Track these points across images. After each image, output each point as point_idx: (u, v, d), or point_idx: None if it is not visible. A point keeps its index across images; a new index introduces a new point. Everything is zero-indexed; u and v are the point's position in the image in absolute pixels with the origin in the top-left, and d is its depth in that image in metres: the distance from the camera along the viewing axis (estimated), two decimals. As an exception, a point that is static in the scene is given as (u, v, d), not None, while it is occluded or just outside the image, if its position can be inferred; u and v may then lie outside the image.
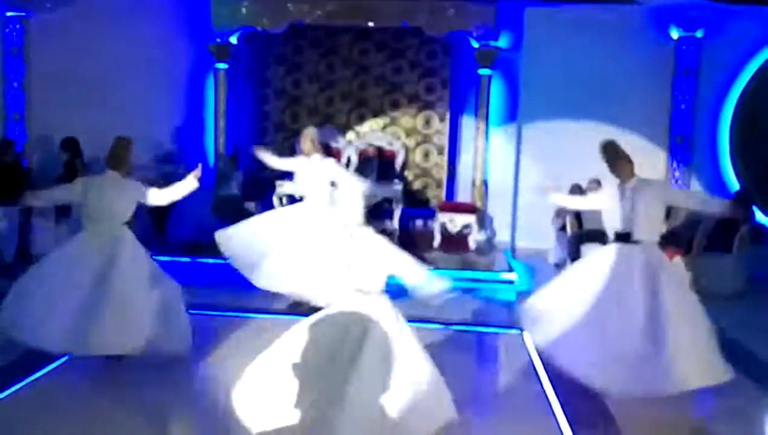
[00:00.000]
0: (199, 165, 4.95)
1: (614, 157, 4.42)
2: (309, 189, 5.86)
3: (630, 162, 4.40)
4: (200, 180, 4.84)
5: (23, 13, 8.84)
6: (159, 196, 4.79)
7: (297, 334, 3.18)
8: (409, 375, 3.09)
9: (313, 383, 2.99)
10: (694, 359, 4.01)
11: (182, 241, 7.80)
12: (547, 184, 4.88)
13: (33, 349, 4.24)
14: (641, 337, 4.06)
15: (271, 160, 6.30)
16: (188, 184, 4.83)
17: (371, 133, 8.89)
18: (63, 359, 4.41)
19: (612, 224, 4.44)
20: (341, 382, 2.93)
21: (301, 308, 5.69)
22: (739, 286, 6.98)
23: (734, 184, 8.31)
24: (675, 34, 8.29)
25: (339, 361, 3.02)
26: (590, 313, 4.18)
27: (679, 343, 4.00)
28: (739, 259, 7.11)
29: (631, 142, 7.96)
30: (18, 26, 8.88)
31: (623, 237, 4.34)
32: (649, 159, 8.11)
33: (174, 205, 8.23)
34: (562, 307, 4.32)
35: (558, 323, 4.26)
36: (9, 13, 8.81)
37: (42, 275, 4.38)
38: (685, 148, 8.41)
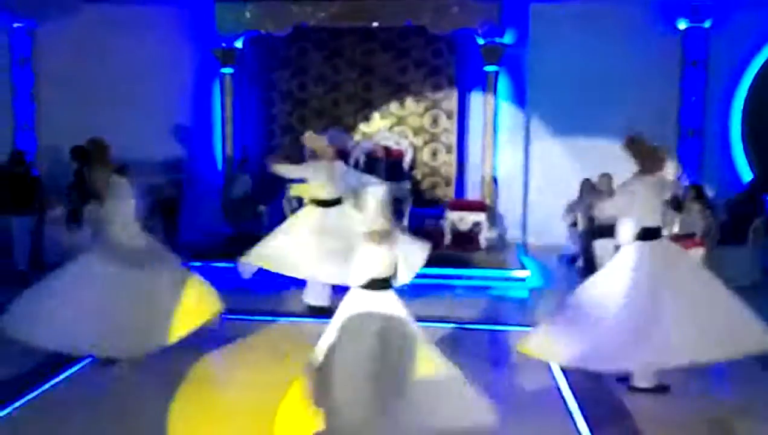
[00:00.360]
0: None
1: (645, 150, 4.32)
2: (325, 191, 5.84)
3: (655, 155, 4.31)
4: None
5: (30, 24, 8.91)
6: None
7: (336, 338, 3.23)
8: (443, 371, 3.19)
9: (367, 384, 3.05)
10: (713, 332, 3.91)
11: (192, 245, 7.82)
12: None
13: (51, 353, 4.26)
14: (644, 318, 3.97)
15: (285, 170, 6.15)
16: None
17: (379, 133, 8.87)
18: (78, 365, 4.43)
19: (643, 220, 4.26)
20: (392, 382, 3.02)
21: (316, 311, 5.71)
22: (753, 278, 6.90)
23: (746, 175, 8.22)
24: (682, 26, 8.21)
25: (384, 360, 3.08)
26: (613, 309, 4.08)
27: (684, 315, 3.93)
28: (754, 250, 7.04)
29: (641, 136, 8.05)
30: (25, 37, 8.95)
31: (653, 232, 4.25)
32: (660, 152, 8.08)
33: (183, 209, 8.38)
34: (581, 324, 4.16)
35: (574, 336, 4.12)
36: (16, 24, 8.89)
37: (59, 285, 4.41)
38: (696, 140, 8.33)
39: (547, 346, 4.16)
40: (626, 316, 4.01)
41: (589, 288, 4.31)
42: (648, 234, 4.25)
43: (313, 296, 5.81)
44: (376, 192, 3.43)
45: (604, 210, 4.61)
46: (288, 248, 5.57)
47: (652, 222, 4.26)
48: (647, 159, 4.31)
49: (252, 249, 5.72)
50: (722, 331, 3.92)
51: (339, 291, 5.41)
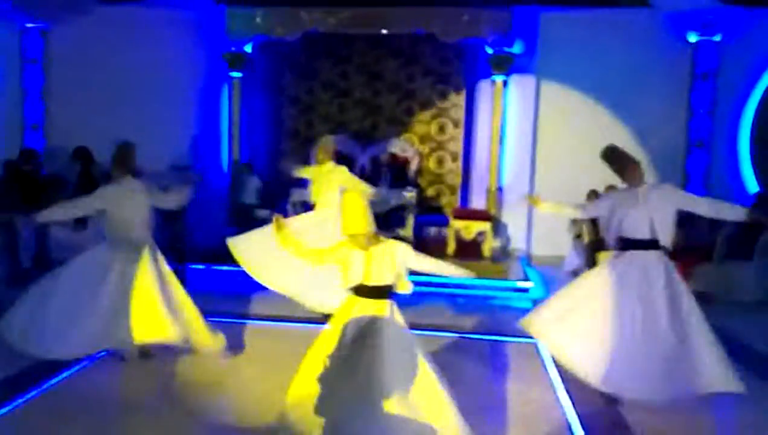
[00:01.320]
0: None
1: (621, 161, 4.30)
2: (321, 196, 5.85)
3: (638, 165, 4.28)
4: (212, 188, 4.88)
5: (42, 25, 9.00)
6: (164, 200, 4.86)
7: (325, 343, 3.22)
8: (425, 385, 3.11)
9: (339, 388, 3.03)
10: (716, 363, 3.99)
11: (198, 249, 7.84)
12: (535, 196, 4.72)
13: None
14: (666, 343, 4.01)
15: (294, 170, 6.30)
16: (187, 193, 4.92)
17: (385, 140, 8.88)
18: (74, 368, 4.44)
19: (614, 232, 4.30)
20: (364, 388, 2.97)
21: (316, 317, 5.69)
22: (760, 295, 6.84)
23: (754, 189, 8.17)
24: (693, 38, 8.19)
25: (359, 366, 3.04)
26: (614, 323, 4.10)
27: (702, 346, 3.99)
28: (760, 266, 6.96)
29: (648, 147, 8.03)
30: (37, 37, 9.04)
31: (640, 244, 4.23)
32: (668, 164, 8.04)
33: (189, 213, 8.39)
34: (580, 317, 4.22)
35: (576, 334, 4.18)
36: (28, 25, 8.98)
37: (58, 287, 4.43)
38: (704, 152, 8.29)
39: (547, 332, 4.26)
40: (616, 336, 4.05)
41: (584, 287, 4.34)
42: (628, 245, 4.23)
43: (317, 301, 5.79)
44: (363, 194, 3.40)
45: (587, 211, 4.72)
46: (274, 257, 5.52)
47: (632, 233, 4.21)
48: (624, 170, 4.28)
49: (244, 240, 5.69)
50: (686, 369, 3.97)
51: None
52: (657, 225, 4.18)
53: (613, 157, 4.37)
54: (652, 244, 4.19)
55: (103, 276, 4.45)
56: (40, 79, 9.09)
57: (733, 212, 4.26)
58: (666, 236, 4.21)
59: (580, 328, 4.17)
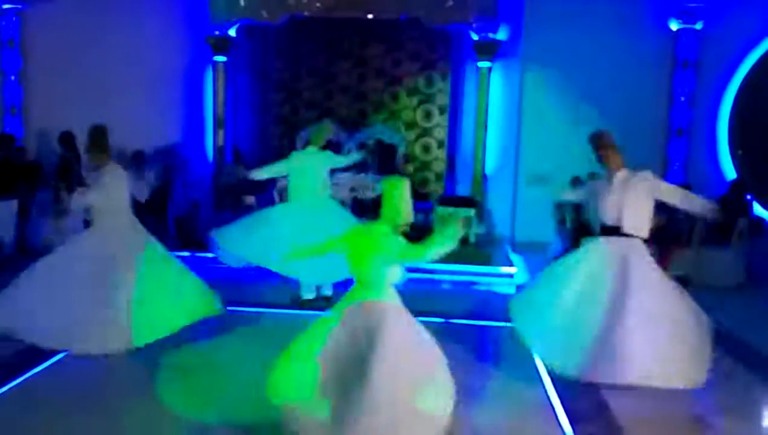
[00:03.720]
0: None
1: (601, 146, 4.36)
2: (307, 181, 5.79)
3: (618, 152, 4.34)
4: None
5: (19, 5, 8.78)
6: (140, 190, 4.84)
7: (318, 331, 3.20)
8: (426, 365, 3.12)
9: (337, 377, 3.02)
10: (660, 358, 4.04)
11: (183, 235, 7.78)
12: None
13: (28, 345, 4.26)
14: (601, 326, 4.10)
15: (261, 173, 5.93)
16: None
17: (371, 126, 8.86)
18: (58, 356, 4.40)
19: (600, 217, 4.38)
20: (361, 375, 2.95)
21: (303, 303, 5.71)
22: (738, 279, 7.01)
23: (731, 175, 8.31)
24: (674, 26, 8.27)
25: (357, 355, 3.03)
26: (566, 307, 4.23)
27: (638, 335, 4.02)
28: (738, 251, 7.13)
29: (629, 134, 8.07)
30: (14, 18, 8.83)
31: (611, 230, 4.31)
32: (648, 151, 8.13)
33: (173, 199, 8.32)
34: (545, 302, 4.36)
35: (540, 317, 4.33)
36: (5, 6, 8.76)
37: (44, 273, 4.40)
38: (684, 140, 8.41)
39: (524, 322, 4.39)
40: (589, 323, 4.14)
41: (557, 275, 4.44)
42: (605, 231, 4.32)
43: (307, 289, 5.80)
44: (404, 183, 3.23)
45: (566, 196, 4.88)
46: (267, 239, 5.46)
47: (608, 220, 4.30)
48: (606, 156, 4.34)
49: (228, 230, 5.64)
50: (610, 354, 4.05)
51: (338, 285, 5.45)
52: (627, 212, 4.24)
53: (595, 142, 4.43)
54: (617, 231, 4.27)
55: (84, 268, 4.39)
56: (17, 61, 8.89)
57: (702, 208, 4.36)
58: (639, 223, 4.27)
59: (544, 314, 4.31)
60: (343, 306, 3.21)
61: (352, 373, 2.98)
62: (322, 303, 5.51)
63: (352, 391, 2.93)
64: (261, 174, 5.85)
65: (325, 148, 5.90)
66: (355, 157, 6.18)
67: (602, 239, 4.35)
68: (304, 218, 5.46)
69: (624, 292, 4.12)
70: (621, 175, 4.32)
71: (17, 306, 4.32)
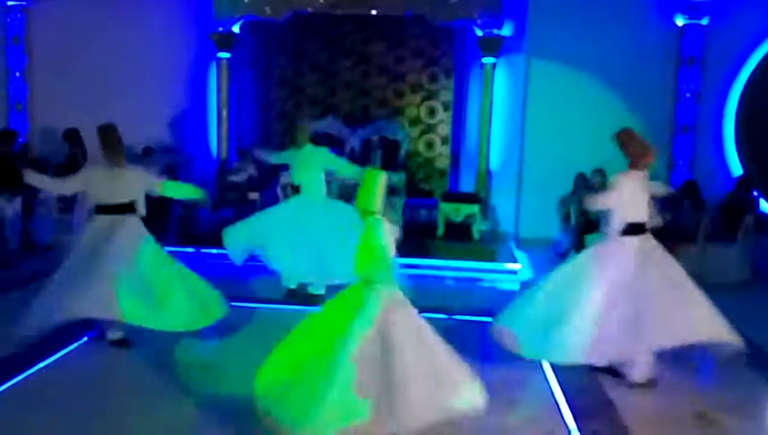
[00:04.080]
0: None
1: (637, 145, 4.34)
2: (304, 179, 5.84)
3: (652, 149, 4.37)
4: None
5: (24, 2, 8.80)
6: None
7: (313, 324, 3.26)
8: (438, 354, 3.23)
9: (372, 376, 3.04)
10: (702, 315, 4.09)
11: (185, 231, 7.80)
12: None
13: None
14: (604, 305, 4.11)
15: (268, 157, 6.31)
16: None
17: (374, 122, 8.85)
18: (58, 356, 4.41)
19: (629, 215, 4.31)
20: (389, 370, 3.02)
21: (296, 298, 5.74)
22: (743, 276, 6.97)
23: (738, 172, 8.26)
24: (680, 22, 8.22)
25: (380, 351, 3.08)
26: (548, 296, 4.30)
27: (673, 305, 4.06)
28: (744, 248, 7.09)
29: (635, 131, 8.05)
30: (19, 15, 8.85)
31: (639, 228, 4.31)
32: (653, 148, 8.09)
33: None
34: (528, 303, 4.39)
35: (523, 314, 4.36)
36: (10, 2, 8.78)
37: (72, 270, 4.40)
38: (689, 137, 8.37)
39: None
40: (611, 312, 4.10)
41: (570, 276, 4.36)
42: (633, 229, 4.30)
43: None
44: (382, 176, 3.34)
45: (593, 204, 4.55)
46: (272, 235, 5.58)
47: (637, 218, 4.30)
48: (636, 153, 4.32)
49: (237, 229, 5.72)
50: (690, 323, 4.09)
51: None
52: (648, 209, 4.35)
53: (622, 139, 4.41)
54: (642, 228, 4.33)
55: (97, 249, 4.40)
56: (22, 58, 8.91)
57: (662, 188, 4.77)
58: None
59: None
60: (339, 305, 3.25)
61: (383, 366, 3.04)
62: (311, 299, 5.55)
63: (390, 382, 3.00)
64: (274, 158, 6.21)
65: (320, 144, 6.06)
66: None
67: (631, 239, 4.28)
68: (308, 215, 5.54)
69: (647, 274, 4.15)
70: (642, 173, 4.35)
71: (53, 305, 4.28)
